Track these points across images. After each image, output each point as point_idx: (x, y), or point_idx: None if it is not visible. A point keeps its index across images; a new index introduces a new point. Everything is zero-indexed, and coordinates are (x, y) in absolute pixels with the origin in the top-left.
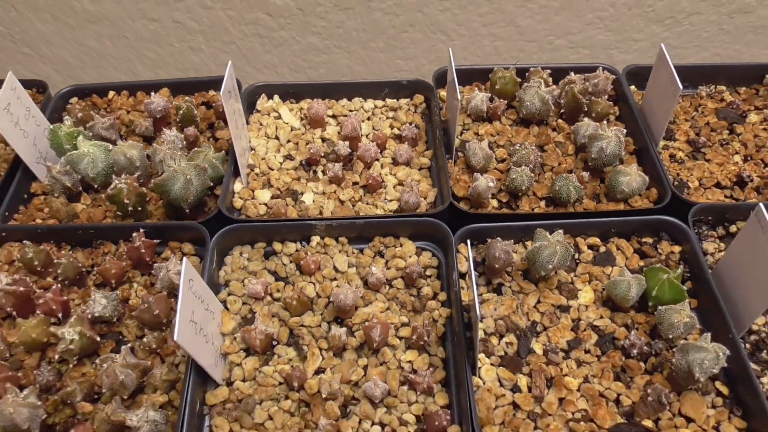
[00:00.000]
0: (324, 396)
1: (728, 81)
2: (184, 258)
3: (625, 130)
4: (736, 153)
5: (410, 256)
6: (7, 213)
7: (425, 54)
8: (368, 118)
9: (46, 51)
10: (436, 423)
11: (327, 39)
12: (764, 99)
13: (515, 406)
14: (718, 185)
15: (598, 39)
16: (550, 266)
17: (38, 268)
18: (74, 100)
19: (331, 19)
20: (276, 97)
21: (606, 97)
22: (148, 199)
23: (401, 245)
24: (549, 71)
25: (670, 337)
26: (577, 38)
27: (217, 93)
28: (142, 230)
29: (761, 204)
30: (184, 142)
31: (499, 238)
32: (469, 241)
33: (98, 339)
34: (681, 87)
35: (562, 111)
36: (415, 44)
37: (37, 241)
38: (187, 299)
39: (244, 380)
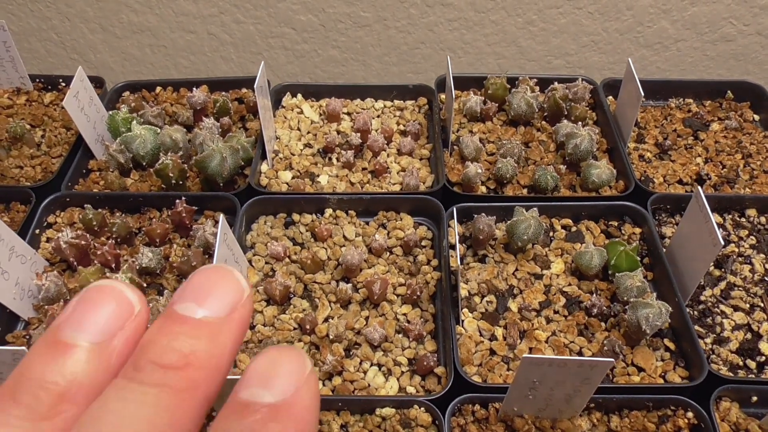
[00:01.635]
0: (331, 338)
1: (695, 95)
2: (221, 215)
3: (598, 131)
4: (698, 156)
5: (409, 229)
6: (69, 184)
7: (434, 69)
8: (378, 116)
9: (92, 57)
10: (425, 364)
11: (346, 52)
12: (726, 111)
13: (492, 351)
14: (680, 182)
15: (593, 60)
16: (526, 237)
17: (95, 228)
18: (127, 93)
19: (350, 35)
20: (299, 96)
21: (584, 103)
22: (188, 176)
23: (401, 219)
24: (535, 80)
25: (625, 299)
26: (574, 59)
27: (249, 90)
28: (183, 198)
29: (700, 188)
30: (220, 130)
31: (483, 214)
32: (455, 215)
33: (144, 285)
34: (642, 94)
35: (545, 114)
36: (425, 59)
37: (95, 206)
38: (222, 248)
39: (264, 325)
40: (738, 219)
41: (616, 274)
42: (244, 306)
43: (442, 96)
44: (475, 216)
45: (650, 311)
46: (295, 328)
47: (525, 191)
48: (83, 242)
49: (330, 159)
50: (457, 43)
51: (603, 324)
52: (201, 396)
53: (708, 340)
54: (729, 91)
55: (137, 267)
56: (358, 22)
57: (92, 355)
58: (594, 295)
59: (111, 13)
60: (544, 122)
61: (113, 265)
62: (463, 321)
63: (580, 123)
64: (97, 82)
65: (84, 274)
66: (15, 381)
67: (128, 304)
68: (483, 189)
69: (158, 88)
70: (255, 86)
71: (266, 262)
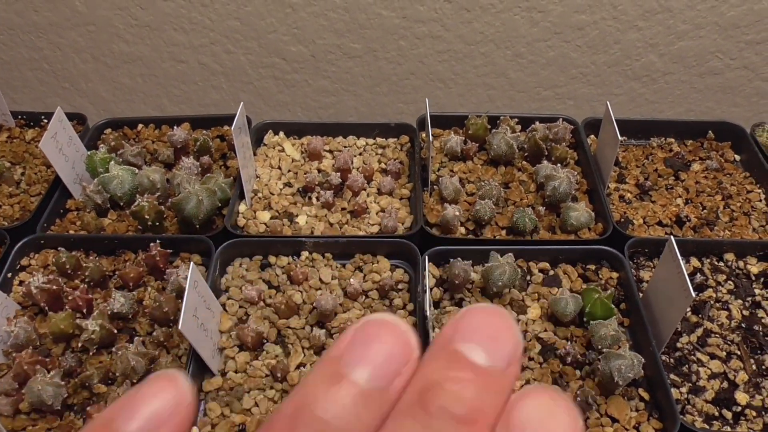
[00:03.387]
0: None
1: (677, 134)
2: (192, 263)
3: (576, 173)
4: (679, 197)
5: (385, 272)
6: (45, 224)
7: (424, 99)
8: (360, 154)
9: (83, 86)
10: None
11: (336, 83)
12: (707, 151)
13: None
14: (659, 223)
15: (581, 92)
16: (501, 283)
17: (69, 271)
18: (108, 130)
19: (341, 66)
20: (281, 133)
21: (566, 144)
22: (165, 216)
23: (378, 262)
24: (517, 120)
25: (600, 348)
26: (563, 90)
27: (231, 128)
28: (158, 241)
29: (672, 237)
30: (200, 169)
31: (459, 258)
32: (427, 259)
33: (115, 332)
34: (620, 138)
35: (526, 154)
36: (415, 90)
37: (69, 248)
38: (191, 297)
39: (236, 371)
40: (716, 263)
41: (591, 321)
42: (519, 361)
43: (424, 134)
44: (451, 260)
45: (622, 363)
46: (267, 375)
47: (504, 233)
48: (55, 287)
49: (309, 198)
50: (447, 74)
51: (578, 372)
52: None
53: (684, 389)
54: (710, 131)
55: (109, 312)
56: (349, 53)
57: (371, 398)
58: (569, 342)
59: (102, 43)
60: (525, 162)
61: (85, 310)
62: None
63: (560, 164)
64: (79, 119)
65: (54, 321)
66: (294, 410)
67: (409, 346)
68: (462, 230)
69: (140, 126)
70: (233, 127)
71: (240, 306)
